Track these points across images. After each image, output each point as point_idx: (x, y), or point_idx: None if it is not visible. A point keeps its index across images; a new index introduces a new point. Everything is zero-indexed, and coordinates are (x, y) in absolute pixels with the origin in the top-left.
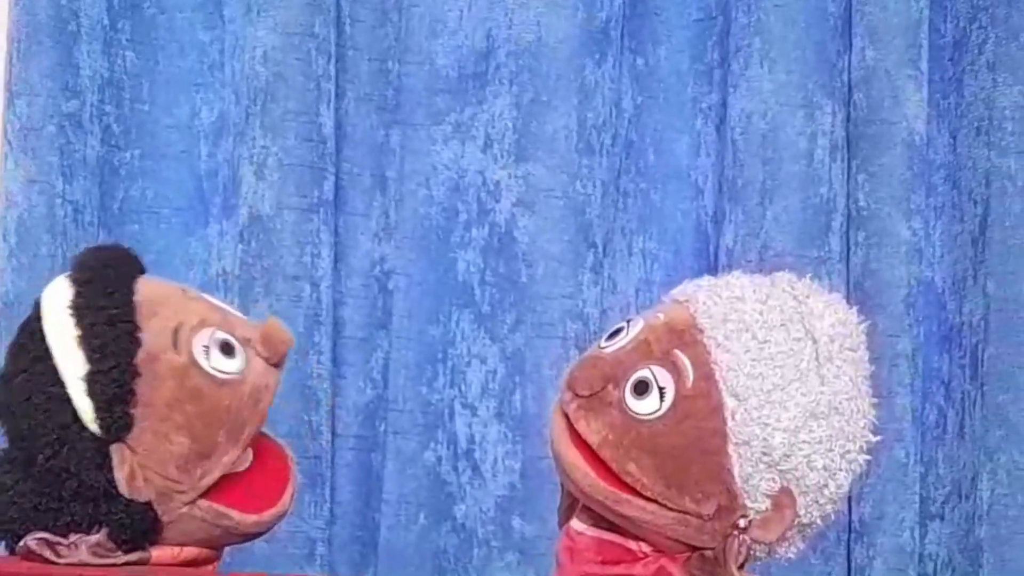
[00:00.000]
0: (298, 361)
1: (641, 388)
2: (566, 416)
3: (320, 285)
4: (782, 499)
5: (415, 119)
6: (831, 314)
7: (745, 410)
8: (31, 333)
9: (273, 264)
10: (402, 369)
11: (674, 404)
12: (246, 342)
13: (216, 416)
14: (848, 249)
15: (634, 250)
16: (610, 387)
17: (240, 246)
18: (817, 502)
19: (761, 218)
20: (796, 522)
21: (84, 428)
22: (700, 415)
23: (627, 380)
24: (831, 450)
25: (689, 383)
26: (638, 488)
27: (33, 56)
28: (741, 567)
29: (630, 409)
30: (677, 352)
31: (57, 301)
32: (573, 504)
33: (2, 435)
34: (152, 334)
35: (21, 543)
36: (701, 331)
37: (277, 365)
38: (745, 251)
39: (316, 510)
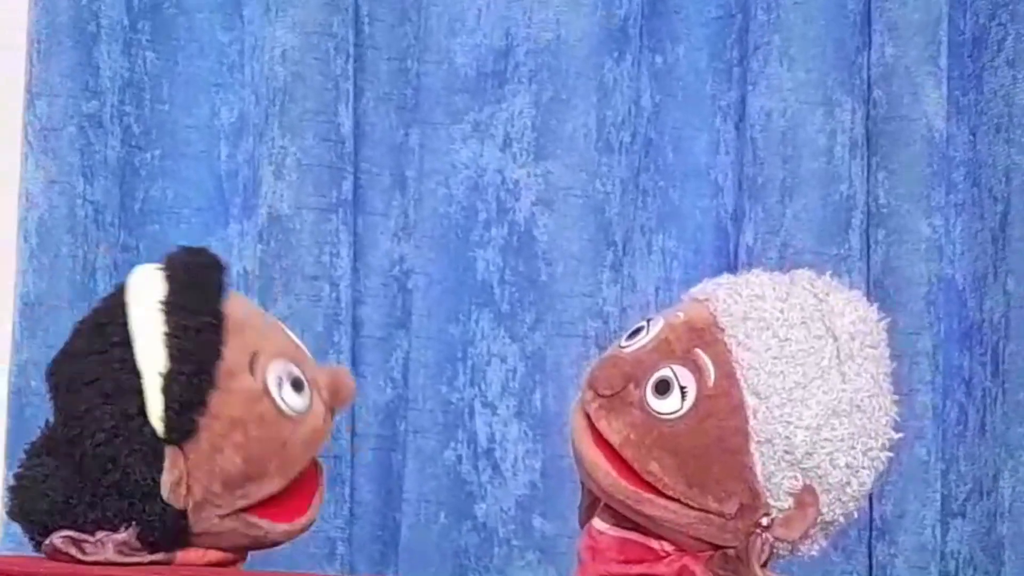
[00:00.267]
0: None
1: (662, 387)
2: (587, 416)
3: (339, 284)
4: (805, 497)
5: (434, 118)
6: (851, 311)
7: (767, 408)
8: (113, 317)
9: (292, 264)
10: (422, 368)
11: (696, 403)
12: (313, 383)
13: (273, 446)
14: (868, 246)
15: (654, 248)
16: (631, 387)
17: (259, 246)
18: (840, 500)
19: (781, 216)
20: (819, 520)
21: (146, 423)
22: (722, 414)
23: (648, 379)
24: (853, 448)
25: (710, 382)
26: (660, 487)
27: (53, 57)
28: (764, 565)
29: (651, 408)
30: (698, 351)
31: (148, 293)
32: (594, 503)
33: (54, 413)
34: (233, 352)
35: (47, 541)
36: (722, 330)
37: (334, 412)
38: (765, 249)
39: (336, 509)
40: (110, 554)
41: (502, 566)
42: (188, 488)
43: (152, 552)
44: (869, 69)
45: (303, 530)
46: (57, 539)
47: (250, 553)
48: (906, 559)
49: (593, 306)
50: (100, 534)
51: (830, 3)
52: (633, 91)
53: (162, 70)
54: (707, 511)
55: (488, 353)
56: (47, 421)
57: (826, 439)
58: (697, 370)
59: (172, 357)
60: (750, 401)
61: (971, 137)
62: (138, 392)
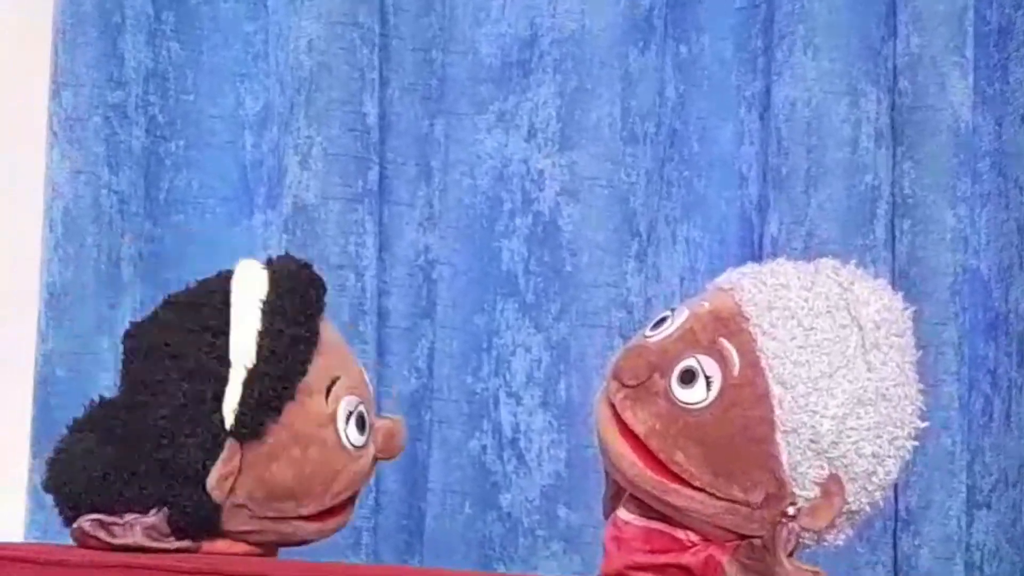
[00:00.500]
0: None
1: (687, 377)
2: (612, 406)
3: (364, 275)
4: (830, 486)
5: (459, 108)
6: (876, 300)
7: (792, 398)
8: (212, 301)
9: (318, 254)
10: (447, 358)
11: (721, 393)
12: (371, 425)
13: (325, 474)
14: (893, 237)
15: (678, 239)
16: (656, 376)
17: (285, 236)
18: (866, 488)
19: (806, 206)
20: (845, 509)
21: (216, 412)
22: (747, 403)
23: (673, 369)
24: (879, 437)
25: (735, 372)
26: (686, 477)
27: (78, 47)
28: (790, 555)
29: (677, 398)
30: (723, 340)
31: (251, 290)
32: (619, 493)
33: (122, 376)
34: (316, 371)
35: (76, 524)
36: (746, 319)
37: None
38: (790, 239)
39: (361, 499)
40: (139, 537)
41: (527, 556)
42: (233, 487)
43: (179, 539)
44: (895, 59)
45: (336, 530)
46: (86, 523)
47: None
48: (931, 550)
49: (618, 296)
50: (129, 517)
51: None
52: (658, 81)
53: (187, 60)
54: (733, 501)
55: (513, 343)
56: (92, 400)
57: (852, 428)
58: (722, 360)
59: (261, 356)
60: (775, 390)
61: (997, 127)
62: (219, 380)
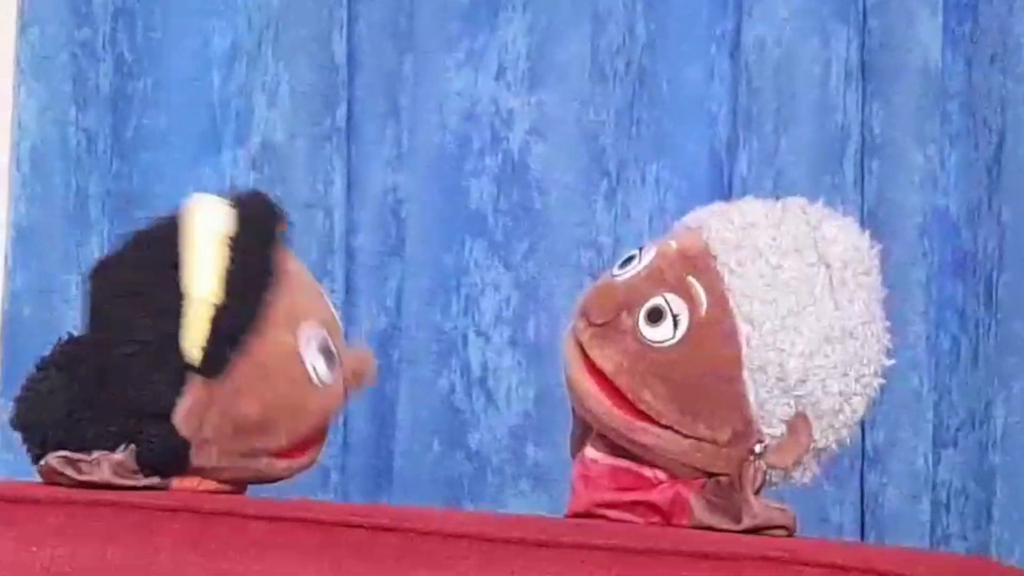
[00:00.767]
0: None
1: (655, 315)
2: (579, 344)
3: (333, 213)
4: (797, 424)
5: (428, 46)
6: (844, 239)
7: (759, 336)
8: (169, 238)
9: (286, 192)
10: (415, 297)
11: (688, 331)
12: (339, 359)
13: (291, 408)
14: (862, 177)
15: (648, 178)
16: (623, 315)
17: (253, 174)
18: (832, 426)
19: (775, 146)
20: (812, 447)
21: (178, 346)
22: (714, 342)
23: (641, 308)
24: (846, 375)
25: (703, 310)
26: (653, 415)
27: None
28: (757, 492)
29: (644, 337)
30: (690, 279)
31: (213, 224)
32: (586, 432)
33: (86, 314)
34: (282, 305)
35: (43, 461)
36: (714, 257)
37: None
38: (759, 179)
39: (330, 438)
40: (106, 474)
41: (495, 494)
42: (200, 422)
43: (147, 476)
44: None
45: (304, 468)
46: (53, 459)
47: None
48: (897, 488)
49: (586, 236)
50: (97, 453)
51: None
52: (627, 19)
53: None
54: (700, 439)
55: (482, 282)
56: (59, 338)
57: (819, 366)
58: (689, 298)
59: (225, 290)
60: (743, 329)
61: (966, 67)
62: (182, 316)
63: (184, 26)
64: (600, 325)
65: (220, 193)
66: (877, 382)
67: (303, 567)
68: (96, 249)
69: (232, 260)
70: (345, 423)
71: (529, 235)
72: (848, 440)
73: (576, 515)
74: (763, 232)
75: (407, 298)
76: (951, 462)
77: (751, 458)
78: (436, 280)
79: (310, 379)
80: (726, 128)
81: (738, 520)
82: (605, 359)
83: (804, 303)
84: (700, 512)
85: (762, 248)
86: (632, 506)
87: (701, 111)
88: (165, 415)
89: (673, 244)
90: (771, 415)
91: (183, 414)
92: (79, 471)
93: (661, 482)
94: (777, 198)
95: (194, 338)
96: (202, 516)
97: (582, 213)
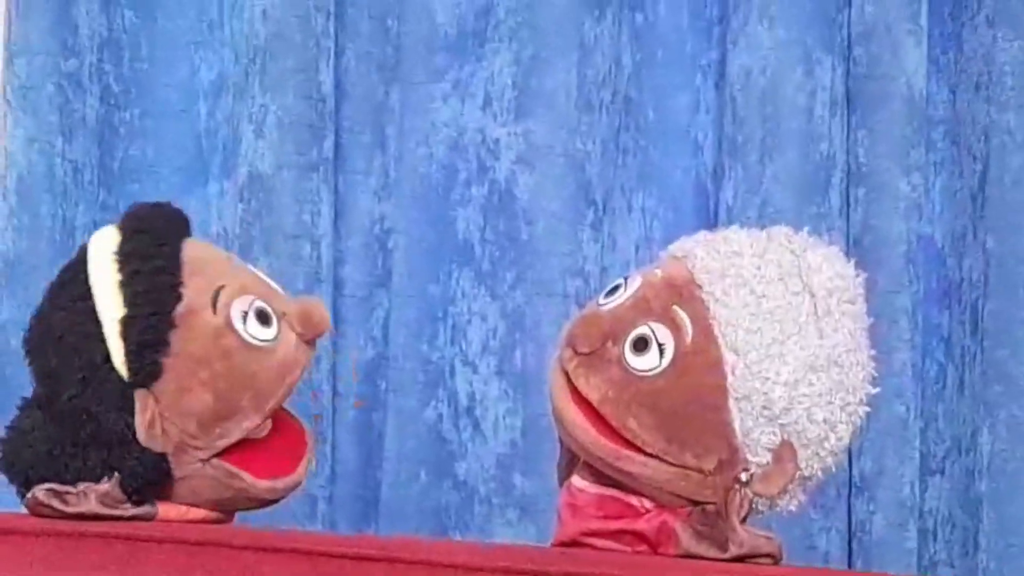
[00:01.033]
0: None
1: (640, 345)
2: (566, 373)
3: (320, 243)
4: (783, 452)
5: (415, 77)
6: (828, 267)
7: (745, 365)
8: (74, 275)
9: (273, 223)
10: (402, 327)
11: (674, 360)
12: (282, 316)
13: (243, 380)
14: (848, 205)
15: (634, 207)
16: (609, 344)
17: (240, 205)
18: (818, 455)
19: (761, 175)
20: (797, 475)
21: (112, 370)
22: (700, 371)
23: (626, 337)
24: (831, 403)
25: (688, 339)
26: (639, 444)
27: (32, 15)
28: (743, 521)
29: (630, 366)
30: (676, 308)
31: (103, 246)
32: (573, 461)
33: (31, 375)
34: (193, 291)
35: (30, 494)
36: (699, 287)
37: (310, 343)
38: (745, 208)
39: (318, 468)
40: (93, 505)
41: (482, 524)
42: (163, 431)
43: (136, 504)
44: (849, 27)
45: (288, 490)
46: (39, 492)
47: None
48: (885, 516)
49: (573, 265)
50: (83, 485)
51: None
52: (613, 50)
53: (141, 28)
54: (686, 467)
55: (468, 312)
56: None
57: (804, 394)
58: (675, 327)
59: (128, 303)
60: (728, 357)
61: (951, 96)
62: (101, 340)
63: (171, 57)
64: (586, 354)
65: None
66: (862, 410)
67: None
68: None
69: (125, 272)
70: (332, 453)
71: (516, 264)
72: (834, 468)
73: (563, 544)
74: (748, 261)
75: (394, 328)
76: (938, 490)
77: (737, 486)
78: (423, 310)
79: (249, 346)
80: (712, 157)
81: (724, 548)
82: (591, 388)
83: (789, 332)
84: (687, 541)
85: (747, 277)
86: (619, 535)
87: (687, 140)
88: (130, 438)
89: (659, 273)
90: (756, 443)
91: (143, 430)
92: (66, 503)
93: (648, 511)
94: (762, 227)
95: (117, 356)
96: (189, 547)
97: (568, 242)
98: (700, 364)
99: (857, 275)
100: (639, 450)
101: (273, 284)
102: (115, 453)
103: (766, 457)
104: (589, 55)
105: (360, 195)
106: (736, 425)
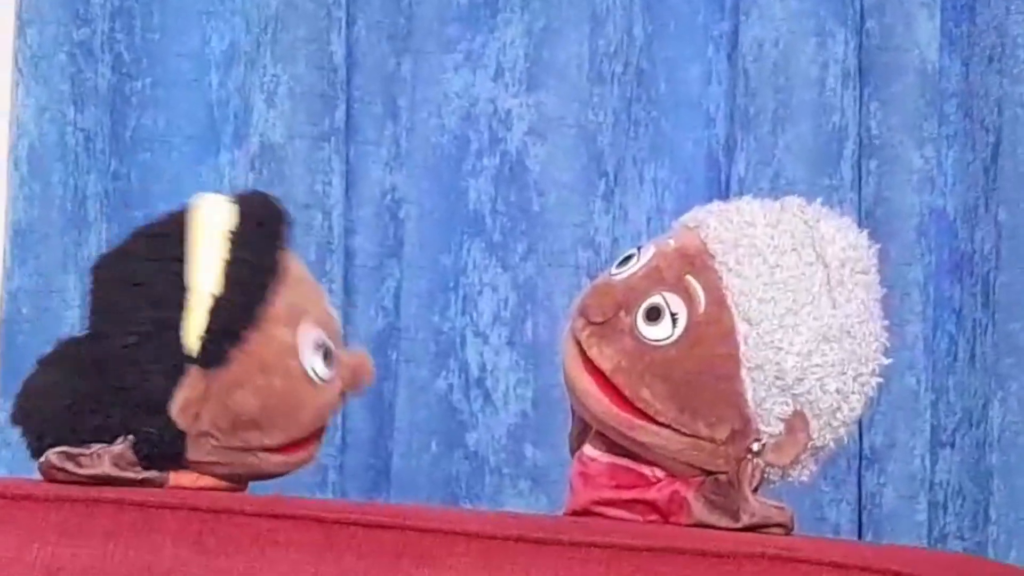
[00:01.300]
0: None
1: (653, 314)
2: (578, 343)
3: (331, 213)
4: (795, 423)
5: (426, 47)
6: (841, 238)
7: (757, 334)
8: (172, 232)
9: (284, 193)
10: (414, 298)
11: (686, 330)
12: (338, 359)
13: (289, 404)
14: (860, 177)
15: (646, 179)
16: (622, 314)
17: (251, 174)
18: (830, 425)
19: (773, 146)
20: (809, 445)
21: (179, 338)
22: (712, 340)
23: (639, 306)
24: (844, 373)
25: (701, 308)
26: (651, 414)
27: None
28: (755, 490)
29: (642, 335)
30: (688, 278)
31: (215, 218)
32: (584, 431)
33: (89, 305)
34: (282, 302)
35: (43, 458)
36: (712, 256)
37: (346, 395)
38: (757, 180)
39: (328, 438)
40: (106, 467)
41: (493, 494)
42: (197, 414)
43: (145, 468)
44: None
45: (300, 465)
46: (52, 455)
47: None
48: (895, 488)
49: (584, 236)
50: (96, 447)
51: None
52: (625, 20)
53: None
54: (698, 437)
55: (480, 282)
56: (59, 339)
57: (816, 364)
58: (688, 297)
59: (226, 283)
60: (741, 327)
61: (963, 68)
62: (183, 307)
63: (182, 26)
64: (598, 324)
65: (223, 192)
66: (875, 381)
67: (303, 564)
68: (94, 249)
69: (234, 254)
70: (343, 423)
71: (527, 235)
72: (846, 439)
73: (574, 513)
74: (761, 231)
75: (405, 298)
76: (948, 462)
77: (749, 456)
78: (434, 281)
79: (308, 377)
80: (724, 129)
81: (736, 518)
82: (603, 358)
83: (802, 302)
84: (698, 510)
85: (760, 247)
86: (630, 504)
87: (699, 112)
88: (163, 406)
89: (671, 243)
90: (769, 413)
91: (180, 405)
92: (79, 465)
93: (659, 480)
94: (775, 198)
95: (193, 329)
96: (202, 513)
97: (580, 213)
98: (713, 334)
99: (870, 246)
100: (652, 420)
101: (338, 321)
102: (139, 416)
103: (778, 427)
104: (601, 26)
105: (371, 165)
106: (748, 395)
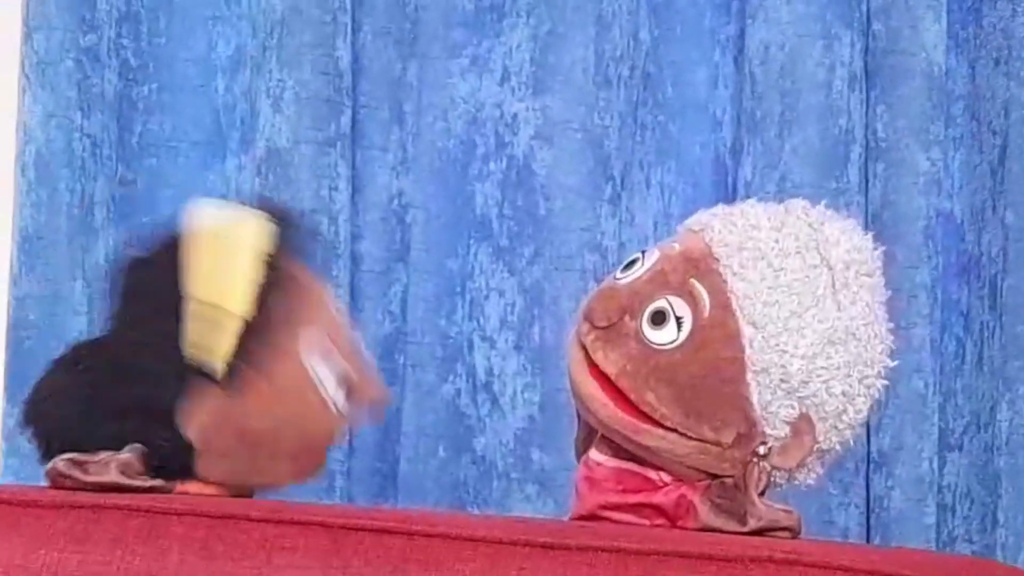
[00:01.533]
0: None
1: (658, 318)
2: (583, 347)
3: (338, 219)
4: (801, 426)
5: (432, 52)
6: (846, 240)
7: (763, 338)
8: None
9: (291, 198)
10: (420, 302)
11: (691, 333)
12: (348, 379)
13: (298, 428)
14: (867, 180)
15: (652, 183)
16: (627, 318)
17: (258, 180)
18: (836, 428)
19: (779, 150)
20: (815, 448)
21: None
22: (718, 344)
23: (644, 310)
24: (849, 376)
25: (706, 312)
26: (657, 418)
27: None
28: (761, 494)
29: (647, 339)
30: (693, 281)
31: (249, 239)
32: (590, 435)
33: (110, 304)
34: (308, 329)
35: (50, 465)
36: (717, 260)
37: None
38: (763, 183)
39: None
40: (113, 475)
41: (501, 499)
42: (212, 433)
43: (152, 479)
44: (868, 2)
45: (308, 478)
46: (60, 463)
47: None
48: (903, 491)
49: (591, 240)
50: (103, 455)
51: None
52: (632, 24)
53: (159, 3)
54: (704, 441)
55: (487, 287)
56: (74, 341)
57: (822, 367)
58: (692, 300)
59: (259, 309)
60: (746, 331)
61: (970, 70)
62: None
63: (189, 32)
64: (604, 328)
65: (234, 197)
66: (880, 383)
67: (309, 570)
68: (101, 255)
69: (268, 279)
70: (351, 428)
71: (534, 240)
72: (852, 442)
73: (581, 517)
74: (766, 234)
75: (412, 303)
76: (956, 465)
77: (755, 460)
78: (441, 285)
79: (324, 404)
80: (730, 132)
81: (743, 522)
82: (609, 362)
83: (806, 305)
84: (705, 514)
85: (765, 250)
86: (637, 508)
87: (705, 115)
88: (176, 420)
89: (676, 247)
90: (775, 417)
91: (197, 424)
92: (86, 472)
93: (666, 484)
94: (782, 202)
95: (220, 351)
96: (209, 519)
97: (587, 217)
98: (718, 337)
99: (875, 248)
100: (657, 424)
101: (355, 344)
102: (151, 426)
103: (784, 430)
104: (607, 30)
105: (378, 170)
106: (754, 398)
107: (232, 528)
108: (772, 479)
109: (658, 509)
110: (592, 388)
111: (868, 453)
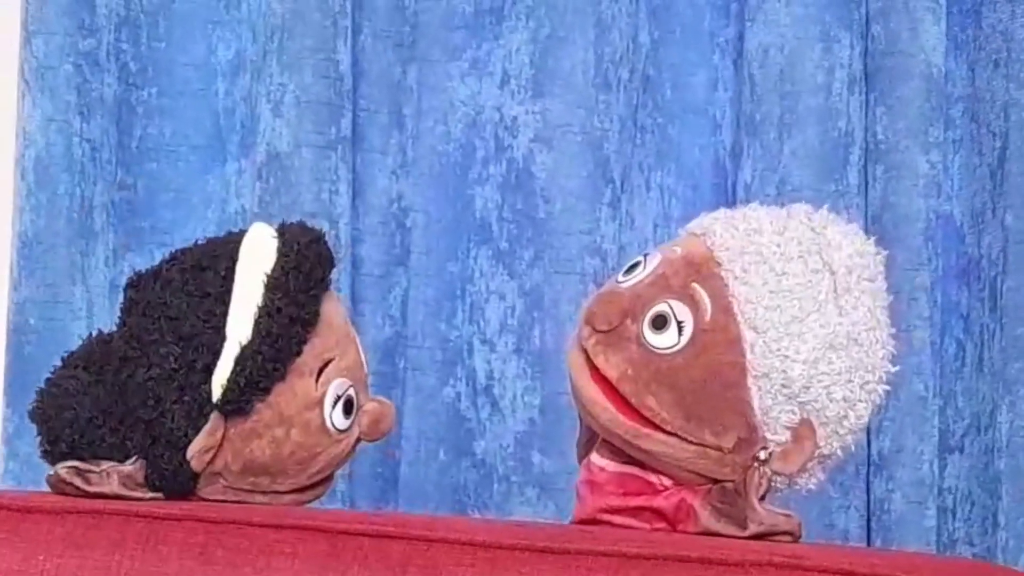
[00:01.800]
0: None
1: (659, 322)
2: (584, 351)
3: (338, 222)
4: (802, 431)
5: (432, 55)
6: (848, 245)
7: (764, 342)
8: (217, 265)
9: (291, 202)
10: (421, 306)
11: (693, 338)
12: (359, 408)
13: (304, 455)
14: (866, 183)
15: (652, 185)
16: (628, 322)
17: (258, 183)
18: (837, 433)
19: (779, 152)
20: (816, 453)
21: (205, 382)
22: (719, 348)
23: (645, 314)
24: (850, 381)
25: (707, 316)
26: (658, 422)
27: None
28: (762, 499)
29: (649, 343)
30: (695, 285)
31: (258, 261)
32: (592, 439)
33: (118, 323)
34: (311, 353)
35: (52, 470)
36: (719, 264)
37: (360, 441)
38: (763, 186)
39: None
40: (115, 486)
41: (501, 502)
42: (213, 458)
43: (153, 490)
44: (867, 4)
45: (308, 502)
46: (62, 469)
47: None
48: (903, 494)
49: (591, 243)
50: (106, 465)
51: None
52: (631, 27)
53: (158, 7)
54: (705, 445)
55: (487, 290)
56: (90, 334)
57: (823, 372)
58: (694, 304)
59: (258, 333)
60: (747, 335)
61: (969, 73)
62: (212, 351)
63: (189, 36)
64: (605, 332)
65: (273, 225)
66: (882, 388)
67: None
68: (101, 259)
69: (271, 302)
70: None
71: (534, 243)
72: (853, 446)
73: (582, 521)
74: (768, 238)
75: (412, 307)
76: (957, 468)
77: (756, 464)
78: (441, 289)
79: (326, 429)
80: (730, 135)
81: (743, 526)
82: (610, 366)
83: (808, 309)
84: (705, 518)
85: (766, 254)
86: (637, 512)
87: (705, 118)
88: (180, 444)
89: (678, 251)
90: (776, 421)
91: (198, 449)
92: (88, 482)
93: (666, 488)
94: (781, 205)
95: (220, 376)
96: (208, 525)
97: (587, 221)
98: (719, 342)
99: (877, 252)
100: (658, 428)
101: (366, 367)
102: (156, 448)
103: (785, 435)
104: (606, 33)
105: (378, 174)
106: (755, 403)
107: (232, 533)
108: (773, 484)
109: (658, 513)
110: (593, 392)
111: (869, 456)
